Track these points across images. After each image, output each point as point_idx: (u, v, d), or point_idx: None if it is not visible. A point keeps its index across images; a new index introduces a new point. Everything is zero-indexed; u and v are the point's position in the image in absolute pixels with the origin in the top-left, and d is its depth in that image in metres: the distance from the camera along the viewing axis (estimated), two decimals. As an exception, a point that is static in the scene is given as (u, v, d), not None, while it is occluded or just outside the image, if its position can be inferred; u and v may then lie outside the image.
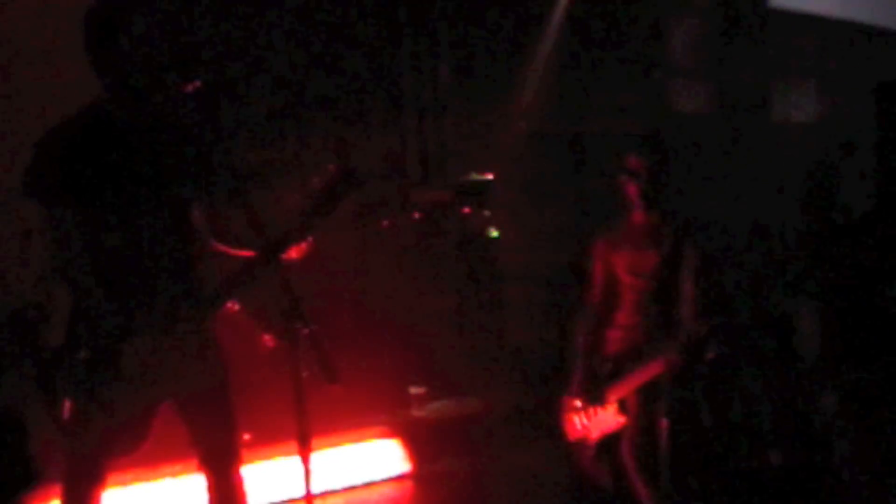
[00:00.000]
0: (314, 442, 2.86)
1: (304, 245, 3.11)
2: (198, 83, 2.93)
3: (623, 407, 4.20)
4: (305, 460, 2.85)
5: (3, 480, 3.33)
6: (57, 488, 3.18)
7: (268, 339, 5.45)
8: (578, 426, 4.36)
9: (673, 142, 5.86)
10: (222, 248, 3.33)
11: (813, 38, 8.61)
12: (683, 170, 4.91)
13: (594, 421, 4.30)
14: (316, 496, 2.91)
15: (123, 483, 4.55)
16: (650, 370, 4.05)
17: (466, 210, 7.09)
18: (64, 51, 4.71)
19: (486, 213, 7.14)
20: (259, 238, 2.94)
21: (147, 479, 4.76)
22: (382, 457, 5.55)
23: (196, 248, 3.23)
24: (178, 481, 4.76)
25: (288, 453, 4.80)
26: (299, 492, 2.94)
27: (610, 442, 4.27)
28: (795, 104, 8.47)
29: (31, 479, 3.47)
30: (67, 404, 2.98)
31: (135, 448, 3.11)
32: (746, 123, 8.12)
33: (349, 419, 5.42)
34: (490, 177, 7.20)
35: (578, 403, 4.35)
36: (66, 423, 2.99)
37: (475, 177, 7.22)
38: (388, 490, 5.44)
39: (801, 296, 5.71)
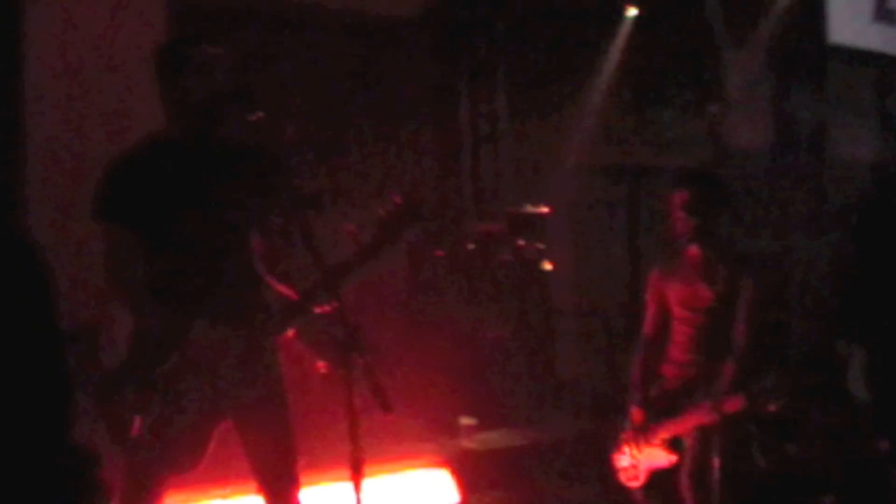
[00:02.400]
0: (365, 470, 2.88)
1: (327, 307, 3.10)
2: (260, 114, 3.01)
3: (675, 444, 4.16)
4: (357, 488, 2.87)
5: None
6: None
7: (321, 366, 5.47)
8: (628, 460, 4.34)
9: (728, 176, 5.83)
10: (270, 280, 3.36)
11: (873, 74, 8.54)
12: (739, 205, 4.88)
13: (643, 456, 4.27)
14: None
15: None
16: (699, 414, 4.02)
17: (520, 242, 7.10)
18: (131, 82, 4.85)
19: (540, 245, 7.14)
20: (317, 264, 2.98)
21: (198, 501, 4.79)
22: (432, 487, 5.54)
23: (257, 270, 3.28)
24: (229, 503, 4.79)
25: (339, 480, 4.81)
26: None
27: (661, 478, 4.24)
28: (854, 140, 8.38)
29: None
30: (128, 424, 3.04)
31: (192, 467, 3.15)
32: (803, 159, 8.05)
33: (400, 449, 5.43)
34: (544, 209, 7.21)
35: (630, 438, 4.33)
36: (126, 443, 3.05)
37: (529, 209, 7.23)
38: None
39: (853, 337, 5.62)
